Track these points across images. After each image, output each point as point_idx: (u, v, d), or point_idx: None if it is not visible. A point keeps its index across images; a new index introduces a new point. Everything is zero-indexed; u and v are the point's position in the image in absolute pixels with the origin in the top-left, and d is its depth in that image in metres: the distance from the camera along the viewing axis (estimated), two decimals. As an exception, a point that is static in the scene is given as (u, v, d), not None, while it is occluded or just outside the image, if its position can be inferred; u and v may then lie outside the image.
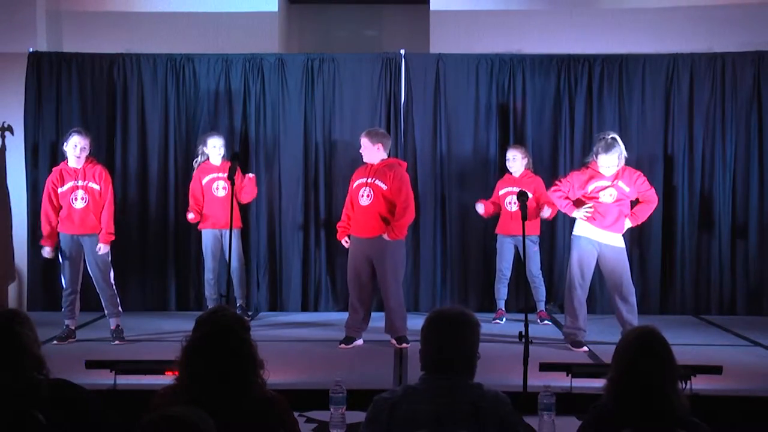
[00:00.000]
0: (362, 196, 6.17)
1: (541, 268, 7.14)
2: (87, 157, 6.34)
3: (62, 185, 6.29)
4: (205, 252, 7.01)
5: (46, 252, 6.36)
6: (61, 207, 6.29)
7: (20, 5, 7.72)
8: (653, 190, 6.18)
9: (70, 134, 6.34)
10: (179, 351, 2.67)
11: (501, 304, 7.18)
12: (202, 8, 7.98)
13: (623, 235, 6.12)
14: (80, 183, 6.27)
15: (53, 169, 6.46)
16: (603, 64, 7.61)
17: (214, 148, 6.94)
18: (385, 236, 6.10)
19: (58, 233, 6.31)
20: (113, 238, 6.38)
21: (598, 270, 6.18)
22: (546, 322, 6.99)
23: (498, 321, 7.02)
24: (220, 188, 6.90)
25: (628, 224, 6.11)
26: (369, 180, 6.18)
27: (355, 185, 6.26)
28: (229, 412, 2.55)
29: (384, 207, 6.14)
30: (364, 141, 6.25)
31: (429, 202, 7.62)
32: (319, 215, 7.67)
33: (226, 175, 6.58)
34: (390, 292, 6.17)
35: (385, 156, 6.25)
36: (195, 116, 7.69)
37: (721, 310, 7.57)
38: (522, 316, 7.00)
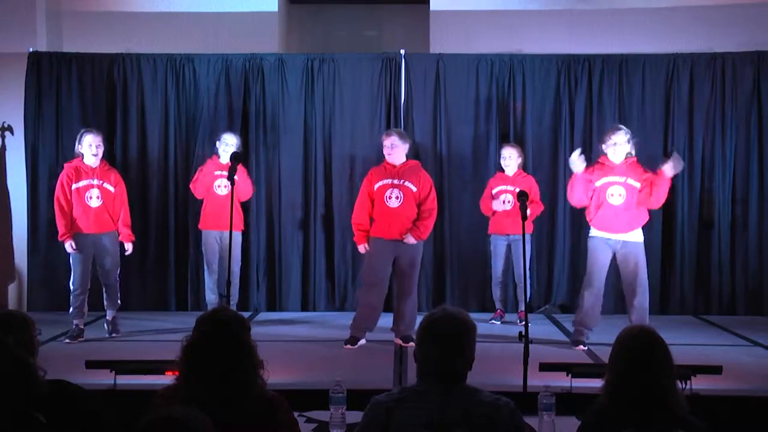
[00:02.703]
0: (390, 197, 6.13)
1: (529, 268, 7.14)
2: (102, 159, 6.40)
3: (77, 182, 6.31)
4: (207, 254, 6.91)
5: (70, 246, 6.30)
6: (72, 205, 6.30)
7: (20, 5, 7.72)
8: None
9: (82, 134, 6.38)
10: (179, 350, 2.67)
11: (499, 305, 7.17)
12: (202, 8, 7.99)
13: (642, 228, 6.10)
14: (96, 182, 6.33)
15: (66, 165, 6.44)
16: (603, 64, 7.61)
17: (227, 146, 6.78)
18: (409, 237, 6.09)
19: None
20: (134, 238, 6.59)
21: (613, 270, 6.19)
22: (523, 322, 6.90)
23: (494, 321, 7.00)
24: (222, 186, 6.80)
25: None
26: (396, 181, 6.14)
27: (377, 186, 6.16)
28: (229, 412, 2.55)
29: (413, 209, 6.14)
30: (396, 140, 6.17)
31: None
32: (318, 215, 7.67)
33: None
34: (412, 293, 6.19)
35: (405, 157, 6.25)
36: (195, 116, 7.69)
37: (721, 310, 7.57)
38: (514, 317, 7.07)
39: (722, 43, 7.68)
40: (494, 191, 7.02)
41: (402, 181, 6.14)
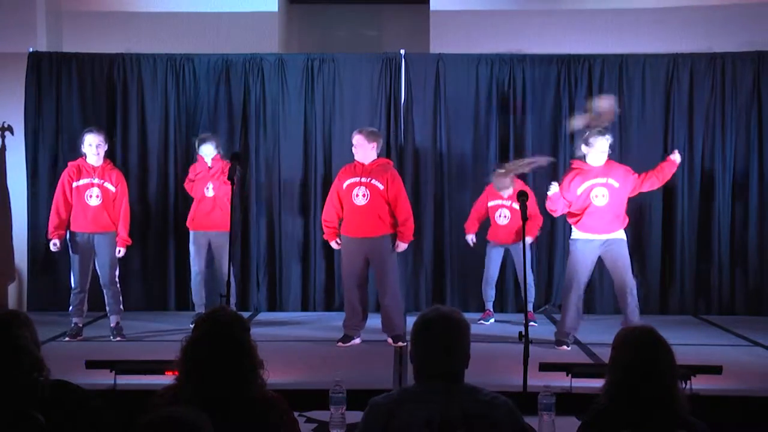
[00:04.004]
0: (357, 195, 6.16)
1: (532, 271, 7.14)
2: (105, 158, 6.42)
3: (78, 180, 6.33)
4: (196, 254, 6.89)
5: (54, 245, 6.33)
6: (71, 204, 6.32)
7: (20, 5, 7.72)
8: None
9: (83, 134, 6.42)
10: (179, 351, 2.67)
11: (489, 306, 7.18)
12: (202, 8, 7.99)
13: (625, 229, 6.14)
14: (96, 181, 6.34)
15: (69, 163, 6.47)
16: (603, 64, 7.61)
17: (206, 155, 6.88)
18: (400, 245, 6.15)
19: (69, 230, 6.32)
20: (130, 242, 6.51)
21: (598, 269, 6.20)
22: (533, 323, 6.86)
23: (483, 322, 6.98)
24: (211, 188, 6.83)
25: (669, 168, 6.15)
26: (363, 179, 6.16)
27: (346, 185, 6.21)
28: (229, 413, 2.55)
29: (381, 207, 6.14)
30: (359, 139, 6.21)
31: (428, 202, 7.63)
32: (318, 214, 7.66)
33: (215, 174, 6.77)
34: (389, 291, 6.19)
35: (375, 156, 6.26)
36: (195, 116, 7.69)
37: (721, 310, 7.57)
38: (516, 317, 7.08)
39: (722, 43, 7.68)
40: (490, 204, 7.02)
41: (369, 179, 6.16)
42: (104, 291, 6.40)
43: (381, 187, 6.14)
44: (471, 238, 7.09)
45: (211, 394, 2.55)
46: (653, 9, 7.86)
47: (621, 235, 6.09)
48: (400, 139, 7.62)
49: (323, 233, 6.45)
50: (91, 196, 6.32)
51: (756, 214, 7.58)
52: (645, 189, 6.23)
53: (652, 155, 7.56)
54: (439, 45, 7.89)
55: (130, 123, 7.67)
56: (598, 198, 6.01)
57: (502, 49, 7.77)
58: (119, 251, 6.41)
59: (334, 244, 6.34)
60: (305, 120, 7.68)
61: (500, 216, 6.94)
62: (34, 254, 7.60)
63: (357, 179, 6.18)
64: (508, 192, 6.85)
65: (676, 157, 6.16)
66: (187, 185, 7.04)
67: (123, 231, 6.40)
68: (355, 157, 6.25)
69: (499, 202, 6.95)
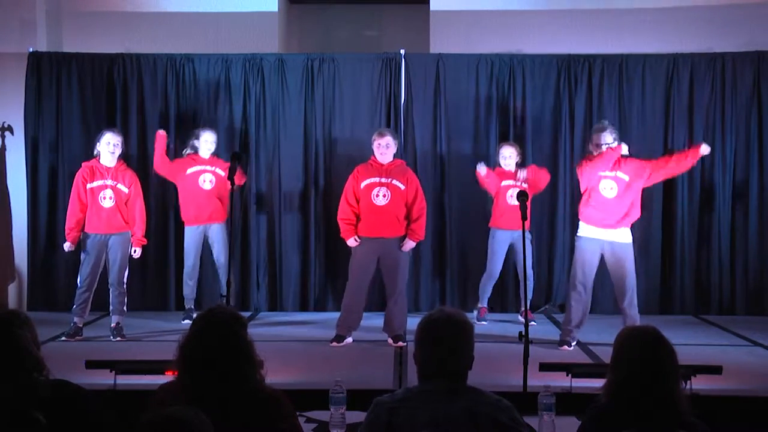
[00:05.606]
0: (377, 195, 6.15)
1: (532, 266, 7.13)
2: (119, 159, 6.43)
3: (92, 181, 6.34)
4: (187, 250, 6.99)
5: (68, 246, 6.35)
6: (86, 205, 6.33)
7: (20, 5, 7.72)
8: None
9: (101, 133, 6.43)
10: (176, 348, 2.67)
11: (484, 302, 7.15)
12: (202, 8, 7.99)
13: (630, 228, 6.11)
14: (109, 182, 6.34)
15: (83, 164, 6.47)
16: (603, 64, 7.61)
17: (206, 143, 6.93)
18: (408, 242, 6.17)
19: (83, 231, 6.34)
20: (146, 242, 6.53)
21: (599, 269, 6.18)
22: (533, 323, 6.77)
23: (483, 322, 6.95)
24: (207, 181, 6.89)
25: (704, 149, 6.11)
26: (384, 180, 6.17)
27: (364, 184, 6.19)
28: (228, 409, 2.54)
29: (400, 207, 6.17)
30: (390, 140, 6.23)
31: (429, 202, 7.58)
32: (318, 215, 7.67)
33: (214, 168, 6.85)
34: (398, 292, 6.20)
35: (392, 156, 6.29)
36: (195, 116, 7.69)
37: (721, 310, 7.57)
38: (516, 317, 7.09)
39: (722, 43, 7.68)
40: (502, 184, 7.00)
41: (390, 179, 6.16)
42: (110, 290, 6.42)
43: (402, 187, 6.17)
44: (482, 168, 6.91)
45: (209, 391, 2.55)
46: (653, 9, 7.86)
47: (626, 237, 6.05)
48: (400, 139, 7.60)
49: (340, 232, 6.35)
50: (104, 198, 6.33)
51: (756, 215, 7.58)
52: (660, 178, 6.24)
53: (652, 155, 7.55)
54: (439, 45, 7.89)
55: (130, 123, 7.66)
56: (606, 190, 6.01)
57: (502, 49, 7.77)
58: (135, 251, 6.44)
59: (352, 241, 6.24)
60: (305, 120, 7.68)
61: (511, 196, 6.88)
62: (34, 254, 7.59)
63: (377, 179, 6.18)
64: None
65: (704, 149, 6.09)
66: (165, 165, 6.94)
67: (139, 231, 6.43)
68: (380, 158, 6.23)
69: (511, 182, 6.94)
